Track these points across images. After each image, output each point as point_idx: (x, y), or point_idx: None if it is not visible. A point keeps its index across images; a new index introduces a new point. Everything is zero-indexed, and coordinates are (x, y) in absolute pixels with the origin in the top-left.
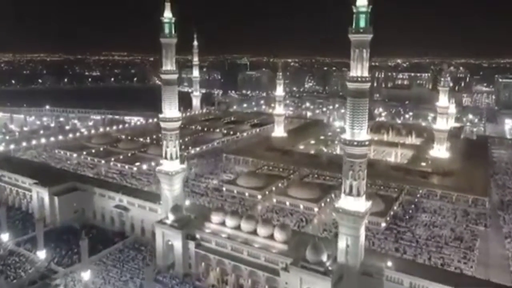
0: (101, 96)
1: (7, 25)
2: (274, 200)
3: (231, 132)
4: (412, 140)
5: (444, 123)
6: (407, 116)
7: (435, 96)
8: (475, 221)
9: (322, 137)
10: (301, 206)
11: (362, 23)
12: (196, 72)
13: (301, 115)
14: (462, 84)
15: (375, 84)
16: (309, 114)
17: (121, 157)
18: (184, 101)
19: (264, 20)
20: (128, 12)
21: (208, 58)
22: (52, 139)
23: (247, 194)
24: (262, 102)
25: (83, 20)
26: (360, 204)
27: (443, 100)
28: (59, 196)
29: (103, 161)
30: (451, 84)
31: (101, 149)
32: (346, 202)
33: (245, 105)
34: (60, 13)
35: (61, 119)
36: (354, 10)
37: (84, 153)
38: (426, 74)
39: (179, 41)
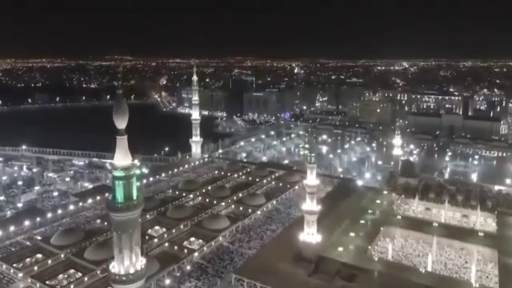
0: (94, 117)
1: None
2: None
3: (241, 208)
4: (479, 217)
5: None
6: (446, 158)
7: (469, 125)
8: None
9: (362, 221)
10: None
11: None
12: (196, 114)
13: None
14: (498, 109)
15: (397, 107)
16: (326, 149)
17: (85, 279)
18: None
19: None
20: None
21: (210, 62)
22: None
23: None
24: (272, 133)
25: (88, 21)
26: None
27: None
28: None
29: None
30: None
31: (62, 256)
32: None
33: (253, 139)
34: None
35: (35, 169)
36: None
37: (36, 267)
38: (457, 98)
39: (179, 43)
